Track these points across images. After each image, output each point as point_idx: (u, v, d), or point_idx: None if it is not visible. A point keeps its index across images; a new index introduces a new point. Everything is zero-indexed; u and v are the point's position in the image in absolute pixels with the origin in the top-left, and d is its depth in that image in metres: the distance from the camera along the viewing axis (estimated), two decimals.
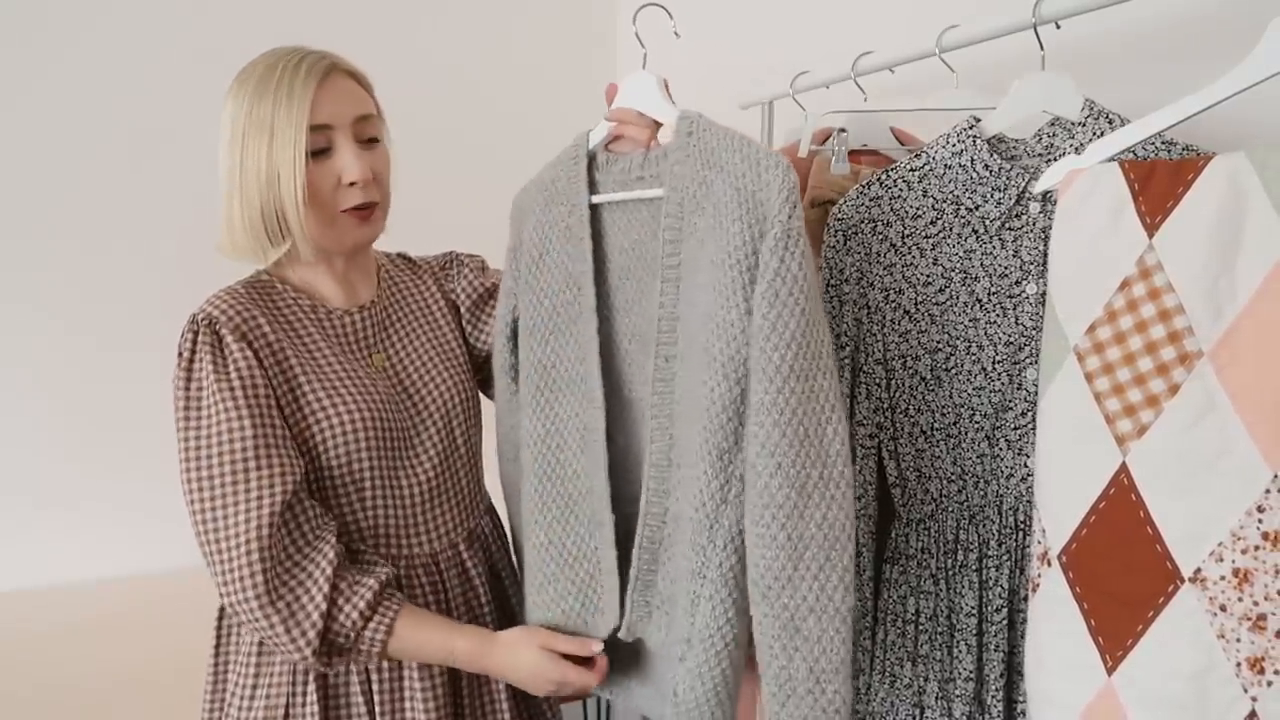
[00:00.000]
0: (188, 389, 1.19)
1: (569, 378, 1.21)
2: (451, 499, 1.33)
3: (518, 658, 1.22)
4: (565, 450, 1.22)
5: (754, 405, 1.00)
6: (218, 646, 1.31)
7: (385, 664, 1.25)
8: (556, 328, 1.22)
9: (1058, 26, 1.19)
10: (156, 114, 2.14)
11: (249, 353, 1.19)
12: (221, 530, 1.15)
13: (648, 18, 1.25)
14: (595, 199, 1.20)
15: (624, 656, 1.23)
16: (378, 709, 1.24)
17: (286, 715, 1.23)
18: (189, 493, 1.17)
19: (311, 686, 1.23)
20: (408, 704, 1.25)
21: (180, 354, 1.20)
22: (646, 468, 1.13)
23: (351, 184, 1.24)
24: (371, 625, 1.18)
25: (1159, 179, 0.95)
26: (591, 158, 1.21)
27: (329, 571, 1.16)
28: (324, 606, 1.15)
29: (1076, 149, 1.14)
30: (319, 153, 1.24)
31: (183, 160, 2.11)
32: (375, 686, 1.25)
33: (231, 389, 1.17)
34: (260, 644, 1.25)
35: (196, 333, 1.20)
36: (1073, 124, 1.17)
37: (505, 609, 1.41)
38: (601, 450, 1.18)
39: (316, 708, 1.22)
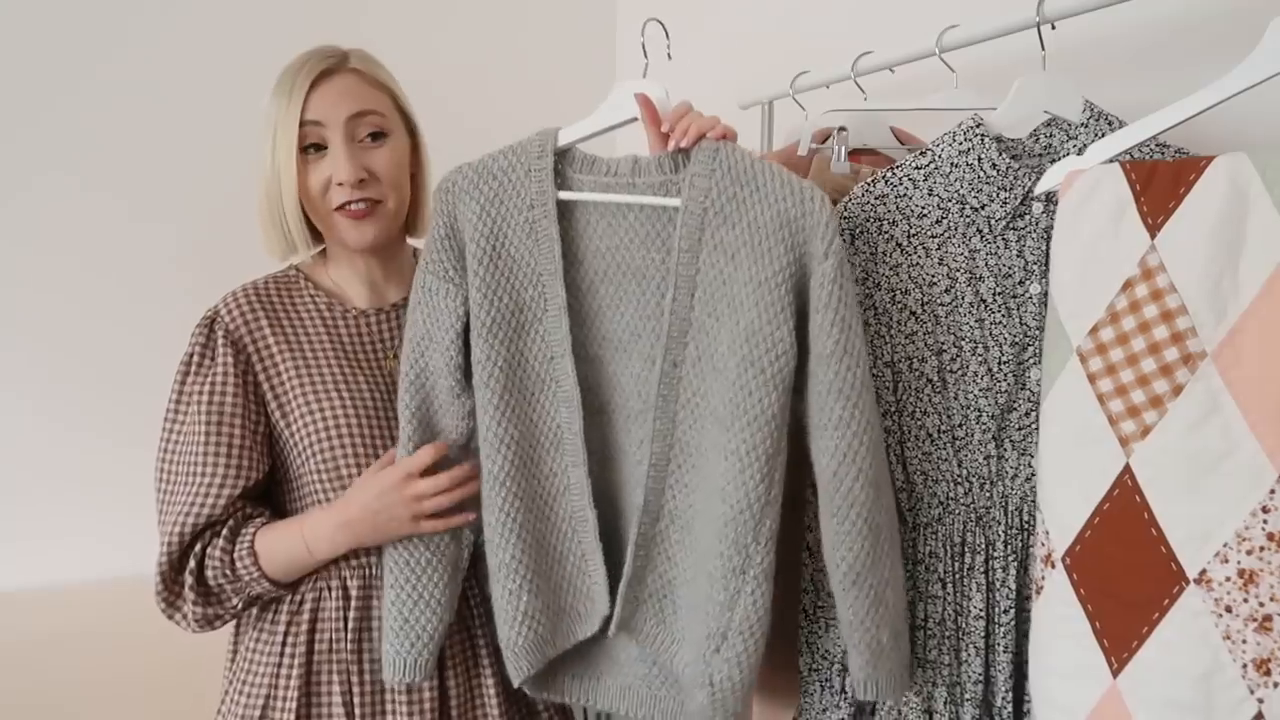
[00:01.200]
0: (178, 385, 1.27)
1: (536, 378, 1.20)
2: None
3: (361, 490, 1.20)
4: (538, 450, 1.21)
5: (833, 420, 1.11)
6: (237, 632, 1.35)
7: (368, 674, 1.26)
8: (521, 326, 1.20)
9: (1053, 27, 1.19)
10: (165, 120, 2.14)
11: (230, 359, 1.25)
12: (161, 523, 1.25)
13: (644, 16, 1.25)
14: (565, 195, 1.19)
15: (613, 659, 1.26)
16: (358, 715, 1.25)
17: (263, 714, 1.26)
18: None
19: (293, 689, 1.25)
20: (389, 712, 1.26)
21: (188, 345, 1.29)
22: (645, 468, 1.19)
23: (340, 184, 1.25)
24: (236, 553, 1.21)
25: (1160, 180, 0.95)
26: (561, 154, 1.20)
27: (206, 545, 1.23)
28: (195, 569, 1.22)
29: (1078, 150, 1.13)
30: (315, 152, 1.26)
31: (195, 163, 2.12)
32: (356, 698, 1.25)
33: (200, 396, 1.25)
34: (249, 639, 1.30)
35: (199, 331, 1.27)
36: (1072, 125, 1.17)
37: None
38: (581, 447, 1.19)
39: (294, 705, 1.24)
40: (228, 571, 1.22)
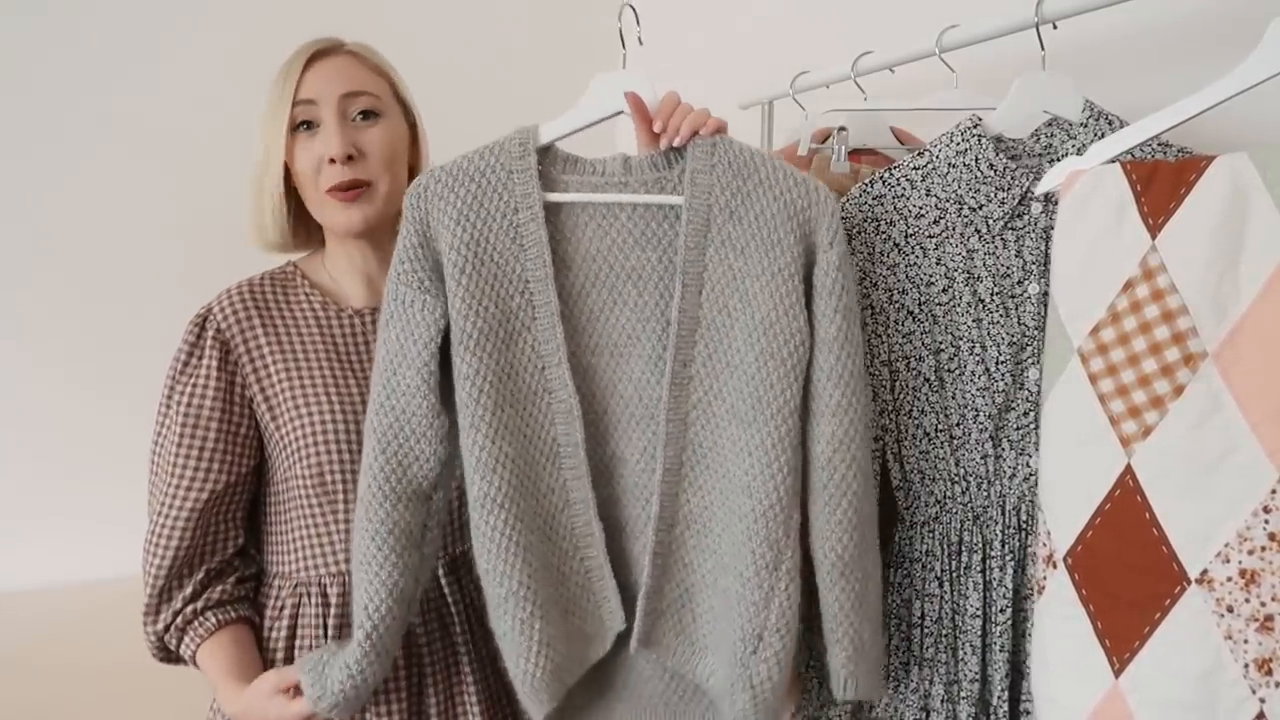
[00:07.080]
0: (168, 383, 1.27)
1: (527, 390, 1.15)
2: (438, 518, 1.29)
3: (240, 702, 1.21)
4: (534, 466, 1.16)
5: (831, 407, 1.12)
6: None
7: None
8: (509, 336, 1.15)
9: (1054, 27, 1.19)
10: (161, 122, 2.14)
11: (214, 361, 1.25)
12: (148, 516, 1.27)
13: (644, 16, 1.25)
14: (554, 197, 1.15)
15: (626, 680, 1.21)
16: None
17: None
18: None
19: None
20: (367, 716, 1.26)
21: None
22: (657, 475, 1.16)
23: (331, 161, 1.24)
24: (185, 642, 1.24)
25: (1161, 180, 0.95)
26: (542, 153, 1.16)
27: (191, 588, 1.25)
28: (169, 618, 1.24)
29: (1078, 150, 1.13)
30: (306, 130, 1.25)
31: (188, 168, 2.12)
32: None
33: (182, 397, 1.24)
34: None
35: (190, 330, 1.26)
36: (1072, 125, 1.17)
37: (484, 650, 1.34)
38: (583, 459, 1.15)
39: None
40: (174, 640, 1.25)
